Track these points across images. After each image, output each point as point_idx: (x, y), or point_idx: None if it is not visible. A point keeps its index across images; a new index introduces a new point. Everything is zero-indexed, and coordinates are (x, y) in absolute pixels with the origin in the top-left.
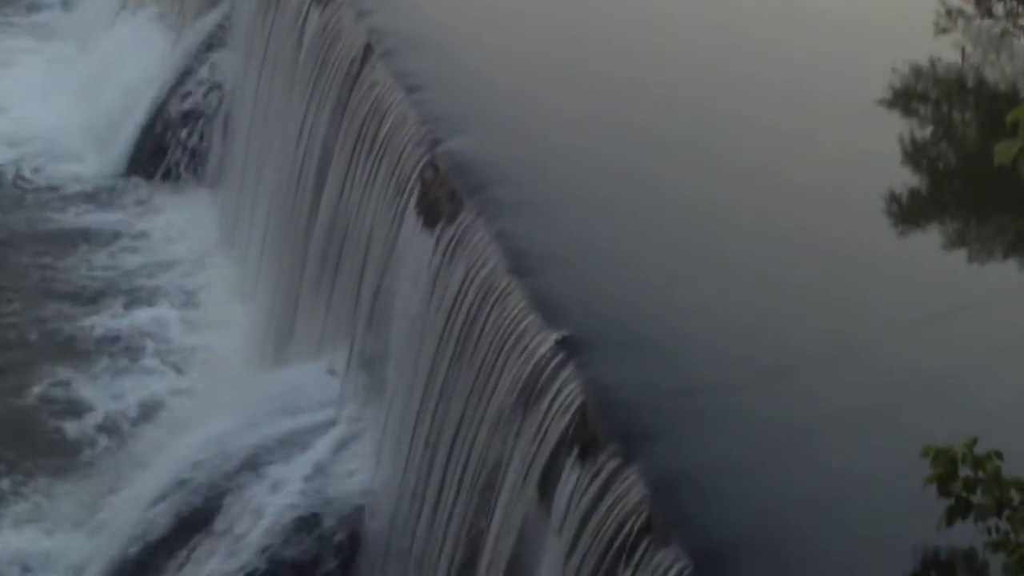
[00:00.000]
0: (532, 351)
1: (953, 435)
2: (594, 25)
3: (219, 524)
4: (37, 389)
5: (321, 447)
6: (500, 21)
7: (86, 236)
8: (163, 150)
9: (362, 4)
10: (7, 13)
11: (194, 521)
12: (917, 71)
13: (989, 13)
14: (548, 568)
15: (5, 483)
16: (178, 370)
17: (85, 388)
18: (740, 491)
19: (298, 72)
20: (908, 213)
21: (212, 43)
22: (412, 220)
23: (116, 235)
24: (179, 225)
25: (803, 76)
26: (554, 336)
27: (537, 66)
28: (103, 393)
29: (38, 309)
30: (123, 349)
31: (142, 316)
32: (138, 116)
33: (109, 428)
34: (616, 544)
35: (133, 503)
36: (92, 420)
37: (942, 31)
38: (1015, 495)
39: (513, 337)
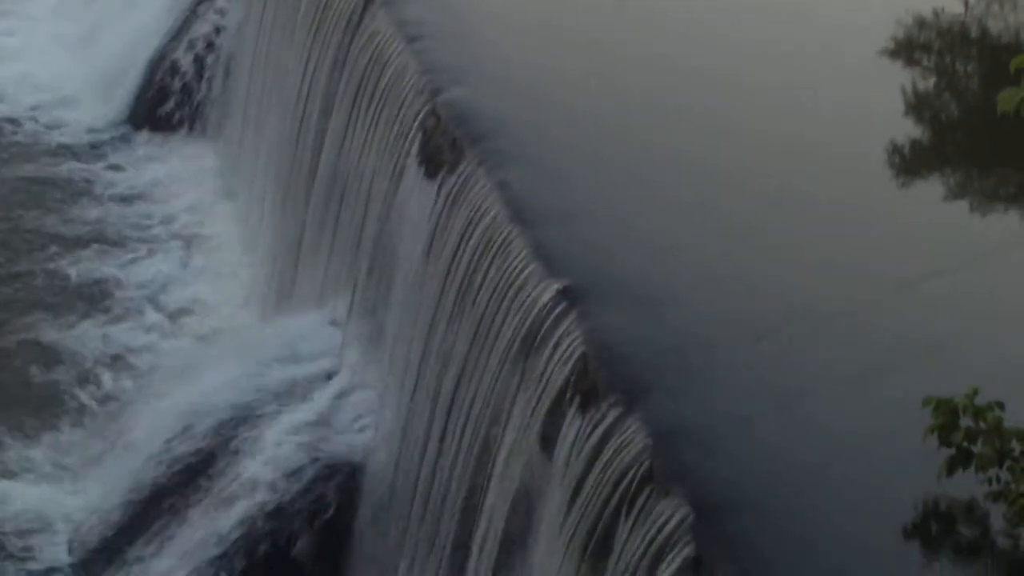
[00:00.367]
0: (533, 301)
1: (953, 388)
2: None
3: (221, 470)
4: (36, 338)
5: (322, 396)
6: None
7: (86, 186)
8: (164, 99)
9: None
10: None
11: (196, 468)
12: (919, 22)
13: None
14: (549, 518)
15: (4, 436)
16: (178, 320)
17: (85, 338)
18: (741, 442)
19: (299, 21)
20: (908, 169)
21: None
22: (413, 170)
23: (116, 184)
24: (180, 175)
25: (801, 32)
26: (555, 286)
27: (540, 18)
28: (102, 343)
29: (38, 258)
30: (123, 299)
31: (142, 266)
32: (140, 65)
33: (109, 378)
34: (617, 494)
35: (134, 452)
36: (90, 370)
37: None
38: (1016, 445)
39: (514, 287)
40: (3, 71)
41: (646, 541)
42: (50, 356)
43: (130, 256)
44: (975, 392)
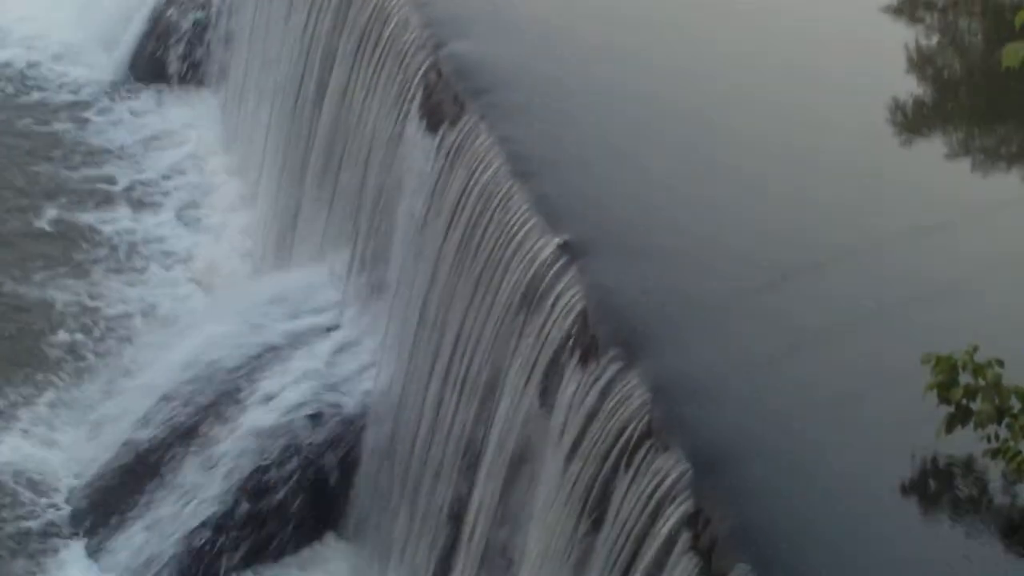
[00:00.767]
0: (534, 255)
1: (955, 341)
2: None
3: (220, 423)
4: (31, 290)
5: (323, 349)
6: None
7: (87, 139)
8: (165, 53)
9: None
10: None
11: (195, 421)
12: None
13: None
14: (548, 472)
15: (6, 388)
16: (176, 273)
17: (85, 291)
18: (741, 396)
19: None
20: (913, 125)
21: None
22: (414, 124)
23: (117, 138)
24: (181, 128)
25: None
26: (556, 240)
27: None
28: (99, 296)
29: (39, 210)
30: (123, 252)
31: (142, 219)
32: (140, 19)
33: (106, 331)
34: (617, 448)
35: (133, 404)
36: (87, 323)
37: None
38: (1015, 402)
39: (515, 241)
40: (4, 25)
41: (645, 496)
42: (45, 309)
43: (128, 208)
44: (975, 349)
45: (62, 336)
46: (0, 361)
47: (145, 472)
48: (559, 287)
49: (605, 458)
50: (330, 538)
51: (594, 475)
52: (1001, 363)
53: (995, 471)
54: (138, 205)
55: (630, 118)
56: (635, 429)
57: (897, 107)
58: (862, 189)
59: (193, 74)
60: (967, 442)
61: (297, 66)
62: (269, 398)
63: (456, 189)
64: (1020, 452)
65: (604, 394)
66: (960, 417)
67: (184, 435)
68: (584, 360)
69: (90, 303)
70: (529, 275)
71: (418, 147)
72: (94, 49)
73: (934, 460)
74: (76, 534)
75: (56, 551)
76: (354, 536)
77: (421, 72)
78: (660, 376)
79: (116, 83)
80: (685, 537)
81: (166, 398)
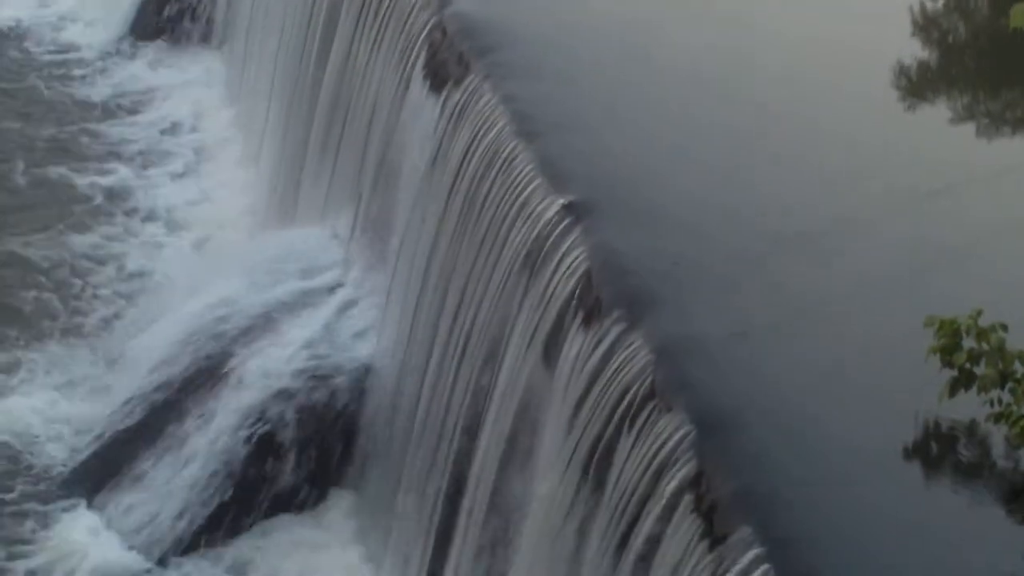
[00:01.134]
0: (538, 216)
1: (959, 306)
2: None
3: (223, 380)
4: (36, 245)
5: (326, 308)
6: None
7: (90, 97)
8: (169, 11)
9: None
10: None
11: (197, 379)
12: None
13: None
14: (551, 433)
15: (7, 346)
16: (179, 231)
17: (86, 246)
18: (746, 358)
19: None
20: (919, 87)
21: None
22: (418, 83)
23: (120, 96)
24: (184, 86)
25: None
26: (560, 201)
27: None
28: (103, 251)
29: (43, 168)
30: (122, 209)
31: (145, 177)
32: None
33: (109, 288)
34: (620, 410)
35: (137, 362)
36: (90, 279)
37: None
38: (1018, 367)
39: (519, 202)
40: None
41: (648, 457)
42: (49, 264)
43: (131, 166)
44: (979, 313)
45: (62, 294)
46: (2, 317)
47: (148, 431)
48: (563, 248)
49: (608, 419)
50: (333, 496)
51: (597, 436)
52: (1005, 327)
53: (998, 436)
54: (139, 163)
55: (636, 80)
56: (638, 391)
57: (902, 72)
58: (867, 154)
59: (196, 32)
60: (970, 407)
61: (301, 24)
62: (272, 357)
63: (460, 149)
64: (1023, 417)
65: (607, 355)
66: (963, 381)
67: (187, 394)
68: (587, 321)
69: (89, 259)
70: (533, 236)
71: (422, 107)
72: (98, 8)
73: (937, 425)
74: (80, 492)
75: (60, 510)
76: (357, 494)
77: (425, 31)
78: (663, 338)
79: (120, 41)
80: (687, 499)
81: (169, 357)
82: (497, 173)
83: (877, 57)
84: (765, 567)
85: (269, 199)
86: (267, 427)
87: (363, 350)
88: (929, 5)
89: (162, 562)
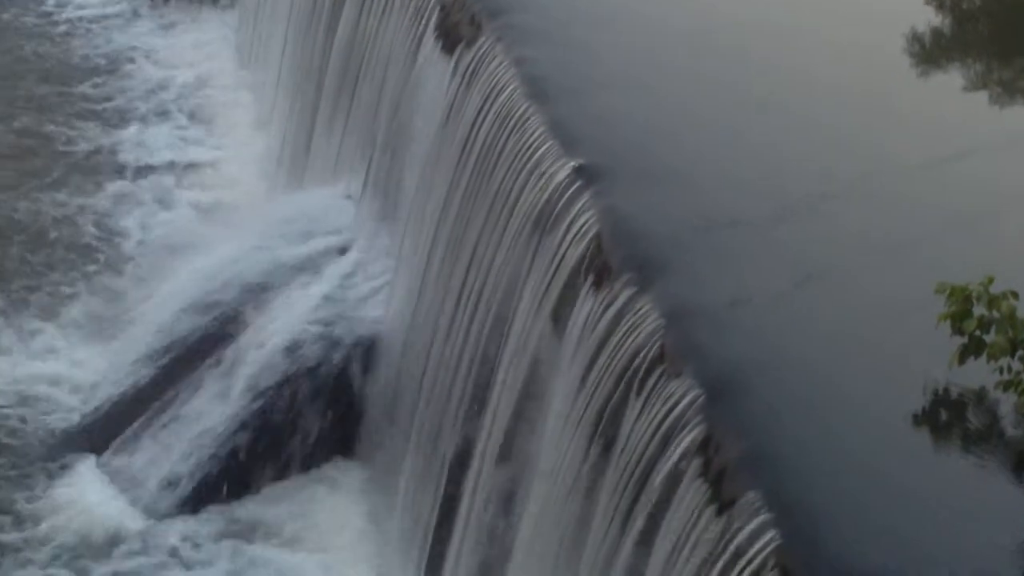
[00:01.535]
0: (549, 178)
1: (970, 273)
2: None
3: (233, 341)
4: (48, 205)
5: (336, 270)
6: None
7: (103, 58)
8: None
9: None
10: None
11: (207, 339)
12: None
13: None
14: (560, 396)
15: (20, 302)
16: (191, 193)
17: (96, 208)
18: (755, 323)
19: None
20: (931, 52)
21: None
22: (430, 45)
23: (132, 58)
24: (195, 47)
25: None
26: (572, 163)
27: None
28: (116, 213)
29: (55, 126)
30: (135, 171)
31: (157, 136)
32: None
33: (121, 249)
34: (628, 373)
35: (147, 322)
36: (103, 241)
37: None
38: None
39: (530, 164)
40: None
41: (656, 422)
42: (56, 223)
43: (142, 125)
44: (990, 280)
45: (69, 253)
46: (12, 275)
47: (156, 390)
48: (574, 210)
49: (617, 383)
50: (341, 457)
51: (605, 399)
52: (1016, 295)
53: (1007, 404)
54: (149, 123)
55: (647, 43)
56: (647, 355)
57: (916, 37)
58: (878, 119)
59: None
60: (979, 374)
61: None
62: (281, 319)
63: (471, 111)
64: None
65: (617, 319)
66: (973, 348)
67: (197, 353)
68: (597, 284)
69: (97, 219)
70: (544, 199)
71: (434, 68)
72: None
73: (945, 392)
74: (86, 450)
75: (66, 468)
76: (365, 455)
77: None
78: (673, 302)
79: (133, 1)
80: (695, 464)
81: (177, 318)
82: (508, 136)
83: (892, 22)
84: (772, 532)
85: (280, 160)
86: (275, 389)
87: (373, 311)
88: None
89: (167, 521)
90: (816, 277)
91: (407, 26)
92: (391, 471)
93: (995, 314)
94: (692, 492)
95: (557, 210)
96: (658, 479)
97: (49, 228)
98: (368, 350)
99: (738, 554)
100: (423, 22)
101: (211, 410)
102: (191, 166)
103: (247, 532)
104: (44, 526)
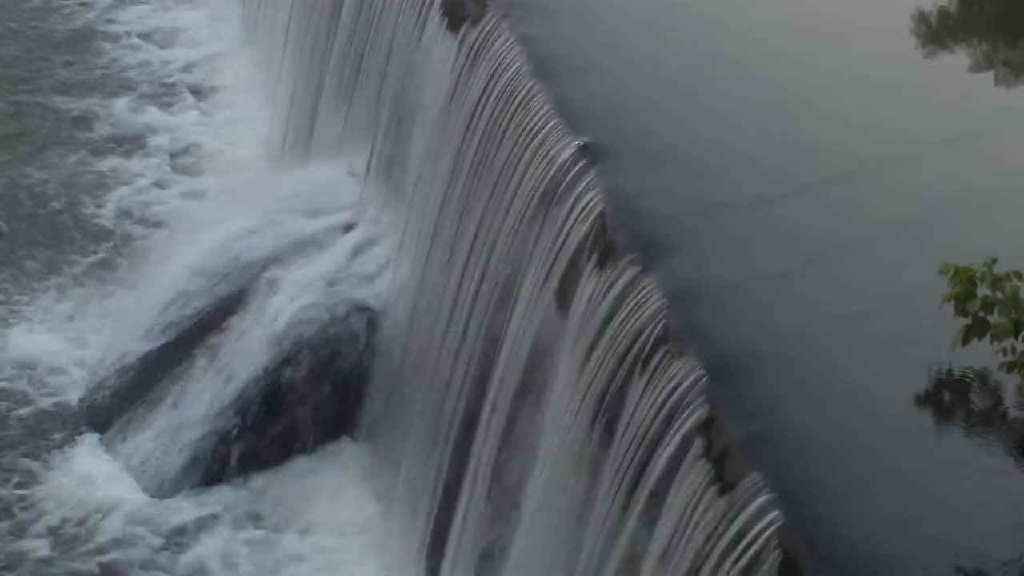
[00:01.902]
0: (553, 157)
1: (975, 254)
2: None
3: (238, 319)
4: (54, 180)
5: (341, 247)
6: None
7: (107, 34)
8: None
9: None
10: None
11: (213, 316)
12: None
13: None
14: (564, 374)
15: (25, 278)
16: (196, 169)
17: (101, 183)
18: (759, 304)
19: None
20: (938, 33)
21: None
22: (436, 21)
23: (138, 33)
24: (201, 24)
25: None
26: (576, 142)
27: None
28: (120, 189)
29: (62, 102)
30: (140, 147)
31: (161, 115)
32: None
33: (126, 226)
34: (632, 353)
35: (151, 299)
36: (106, 218)
37: None
38: None
39: (535, 142)
40: None
41: (659, 401)
42: (62, 198)
43: (149, 103)
44: (993, 261)
45: (77, 228)
46: (18, 251)
47: (160, 367)
48: (578, 190)
49: (620, 363)
50: (345, 436)
51: (609, 379)
52: (1020, 276)
53: (1010, 384)
54: (154, 100)
55: (654, 23)
56: (651, 334)
57: (921, 18)
58: (885, 101)
59: None
60: (983, 355)
61: None
62: (287, 295)
63: (477, 89)
64: None
65: (620, 298)
66: (976, 329)
67: (202, 331)
68: (601, 264)
69: (102, 195)
70: (548, 177)
71: (439, 45)
72: None
73: (949, 373)
74: (92, 426)
75: (71, 443)
76: (369, 435)
77: None
78: (677, 282)
79: None
80: (698, 444)
81: (182, 295)
82: (513, 114)
83: (898, 3)
84: (774, 513)
85: (285, 137)
86: (279, 367)
87: (377, 289)
88: None
89: (170, 498)
90: (820, 258)
91: (413, 3)
92: (394, 450)
93: (999, 295)
94: (695, 472)
95: (562, 189)
96: (661, 459)
97: (50, 203)
98: (372, 328)
99: (740, 534)
100: None
101: (215, 389)
102: (195, 143)
103: (250, 511)
104: (47, 504)
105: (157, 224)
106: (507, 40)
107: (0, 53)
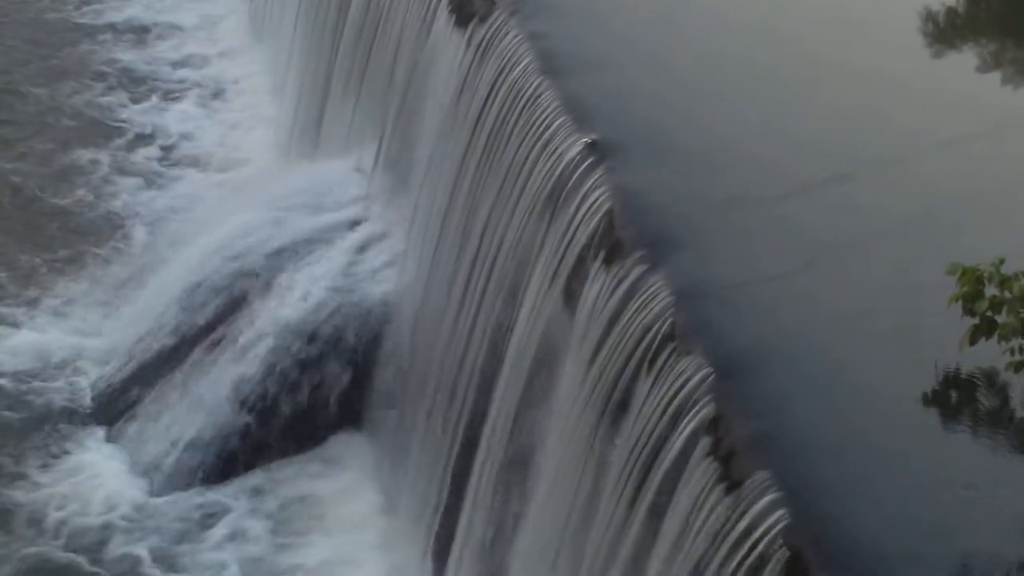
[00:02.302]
0: (561, 154)
1: (982, 254)
2: None
3: (245, 315)
4: (59, 173)
5: (347, 244)
6: None
7: (116, 28)
8: None
9: None
10: None
11: (219, 313)
12: None
13: None
14: (571, 373)
15: (32, 272)
16: (204, 165)
17: (107, 178)
18: (767, 302)
19: None
20: (945, 31)
21: None
22: (444, 18)
23: (146, 27)
24: (209, 18)
25: None
26: (584, 139)
27: None
28: (126, 186)
29: (70, 98)
30: (148, 142)
31: (171, 108)
32: None
33: (133, 222)
34: (639, 351)
35: (158, 295)
36: (114, 215)
37: None
38: None
39: (542, 140)
40: None
41: (666, 400)
42: (69, 190)
43: (156, 97)
44: (1001, 261)
45: (83, 221)
46: (25, 243)
47: (167, 363)
48: (585, 187)
49: (627, 360)
50: (350, 432)
51: (615, 377)
52: None
53: (1018, 384)
54: (163, 94)
55: (661, 19)
56: (658, 332)
57: (930, 15)
58: (894, 98)
59: None
60: (990, 355)
61: None
62: (293, 291)
63: (485, 86)
64: None
65: (628, 296)
66: (984, 329)
67: (208, 326)
68: (609, 261)
69: (110, 189)
70: (556, 174)
71: (447, 42)
72: None
73: (956, 373)
74: (98, 423)
75: (77, 440)
76: (376, 428)
77: None
78: (684, 280)
79: None
80: (704, 442)
81: (189, 290)
82: (521, 111)
83: (910, 0)
84: (781, 512)
85: (292, 133)
86: (286, 363)
87: (384, 285)
88: None
89: (175, 494)
90: (828, 256)
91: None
92: (401, 445)
93: (1007, 294)
94: (701, 470)
95: (569, 186)
96: (667, 457)
97: (56, 196)
98: (379, 324)
99: (747, 532)
100: None
101: (222, 384)
102: (203, 138)
103: (256, 505)
104: (52, 500)
105: (164, 219)
106: (515, 37)
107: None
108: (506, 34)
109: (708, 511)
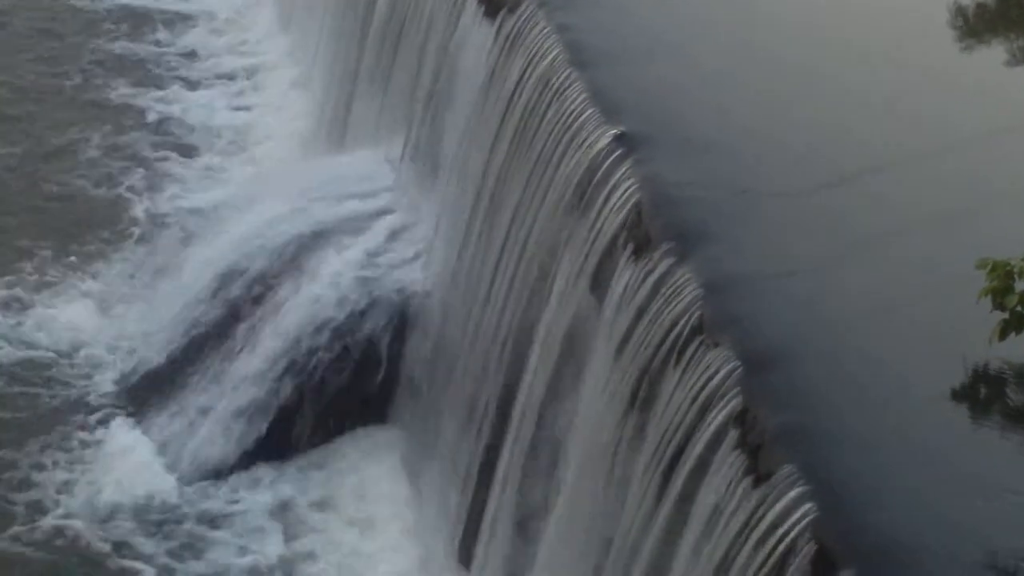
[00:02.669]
0: (590, 146)
1: (1013, 248)
2: None
3: (273, 304)
4: (84, 161)
5: (377, 233)
6: None
7: (145, 17)
8: None
9: None
10: None
11: (247, 300)
12: None
13: None
14: (598, 364)
15: (63, 257)
16: (232, 155)
17: (137, 168)
18: (795, 295)
19: None
20: (980, 27)
21: None
22: (472, 9)
23: (174, 16)
24: (237, 9)
25: None
26: (612, 131)
27: None
28: (157, 174)
29: (99, 83)
30: (176, 131)
31: (196, 98)
32: None
33: (163, 209)
34: (667, 343)
35: (188, 282)
36: (144, 203)
37: None
38: None
39: (570, 132)
40: None
41: (693, 392)
42: (96, 184)
43: (183, 88)
44: None
45: (109, 211)
46: (58, 232)
47: (195, 353)
48: (614, 179)
49: (655, 353)
50: (377, 423)
51: (643, 370)
52: None
53: None
54: (192, 83)
55: (689, 11)
56: (686, 325)
57: (961, 10)
58: (927, 91)
59: None
60: (1020, 350)
61: None
62: (320, 282)
63: (513, 78)
64: None
65: (656, 288)
66: (1014, 324)
67: (235, 316)
68: (637, 253)
69: (139, 178)
70: (585, 166)
71: (475, 33)
72: None
73: (986, 367)
74: (126, 411)
75: (105, 427)
76: (403, 419)
77: None
78: (712, 272)
79: None
80: (732, 435)
81: (217, 280)
82: (550, 103)
83: None
84: (808, 505)
85: (320, 123)
86: (313, 352)
87: (413, 275)
88: None
89: (204, 481)
90: (857, 249)
91: None
92: (429, 435)
93: None
94: (729, 463)
95: (597, 178)
96: (695, 450)
97: (85, 187)
98: (407, 314)
99: (774, 526)
100: None
101: (249, 373)
102: (230, 128)
103: (283, 495)
104: (79, 487)
105: (193, 210)
106: (543, 28)
107: (39, 37)
108: (534, 25)
109: (736, 504)
